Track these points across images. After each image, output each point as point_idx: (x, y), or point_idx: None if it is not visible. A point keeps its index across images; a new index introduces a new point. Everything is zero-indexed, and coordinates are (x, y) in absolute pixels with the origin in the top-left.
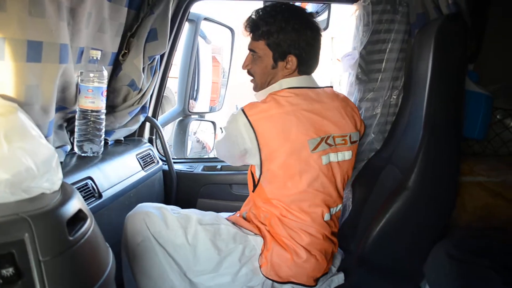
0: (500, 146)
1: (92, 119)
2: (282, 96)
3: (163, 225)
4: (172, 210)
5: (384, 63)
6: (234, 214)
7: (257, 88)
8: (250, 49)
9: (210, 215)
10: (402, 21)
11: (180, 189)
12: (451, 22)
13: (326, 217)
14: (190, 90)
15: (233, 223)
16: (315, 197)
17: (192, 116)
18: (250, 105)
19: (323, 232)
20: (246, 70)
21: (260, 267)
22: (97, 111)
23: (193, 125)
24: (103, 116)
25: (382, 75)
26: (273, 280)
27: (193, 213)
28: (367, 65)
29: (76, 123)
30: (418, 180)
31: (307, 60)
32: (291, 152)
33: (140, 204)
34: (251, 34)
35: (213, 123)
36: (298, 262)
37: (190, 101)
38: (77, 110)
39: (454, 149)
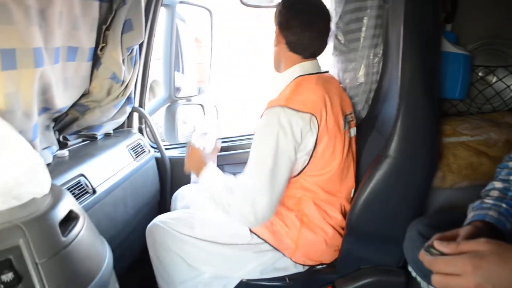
0: (484, 103)
1: None
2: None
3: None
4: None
5: (363, 32)
6: None
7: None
8: None
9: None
10: None
11: (175, 174)
12: None
13: (353, 192)
14: (174, 75)
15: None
16: (348, 171)
17: (180, 101)
18: (288, 100)
19: (347, 207)
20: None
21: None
22: None
23: (183, 110)
24: None
25: (361, 43)
26: (304, 265)
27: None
28: (345, 35)
29: None
30: (398, 148)
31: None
32: (337, 130)
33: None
34: None
35: (202, 105)
36: (329, 243)
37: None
38: None
39: (431, 113)
